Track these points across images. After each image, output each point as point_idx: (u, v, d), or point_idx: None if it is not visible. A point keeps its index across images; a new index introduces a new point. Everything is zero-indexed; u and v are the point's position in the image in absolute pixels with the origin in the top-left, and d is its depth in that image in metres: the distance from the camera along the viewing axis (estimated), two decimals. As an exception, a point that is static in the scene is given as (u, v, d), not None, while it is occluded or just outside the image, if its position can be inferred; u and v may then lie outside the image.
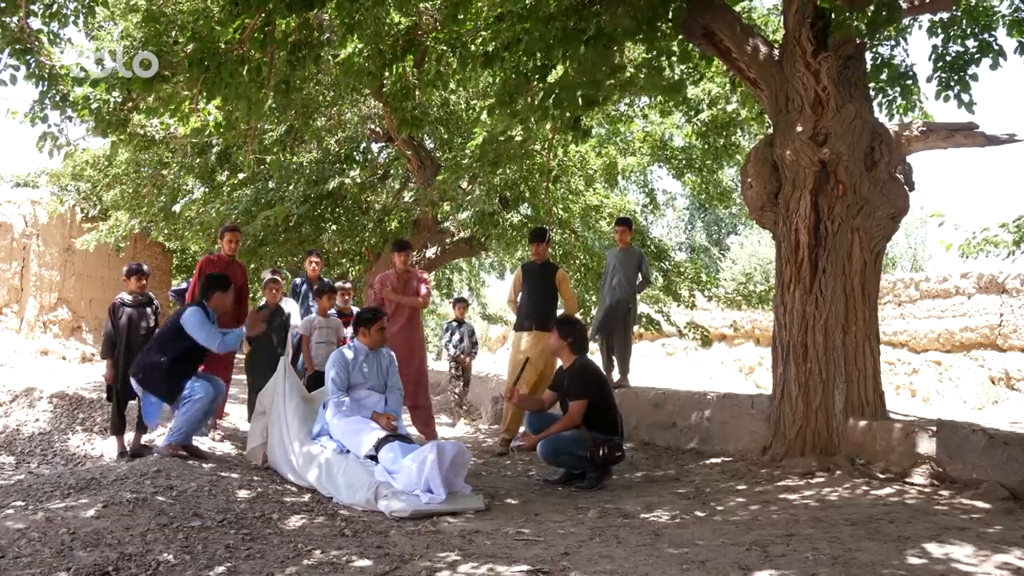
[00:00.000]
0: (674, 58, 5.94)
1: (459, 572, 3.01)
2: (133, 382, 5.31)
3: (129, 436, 5.82)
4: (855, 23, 4.52)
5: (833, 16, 4.74)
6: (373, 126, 11.34)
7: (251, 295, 10.14)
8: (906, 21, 5.86)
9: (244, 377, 7.14)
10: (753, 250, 22.96)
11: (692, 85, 8.98)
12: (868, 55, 5.72)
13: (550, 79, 5.79)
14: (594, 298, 10.72)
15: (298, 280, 7.65)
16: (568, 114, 5.82)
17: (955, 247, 7.67)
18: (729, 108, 9.44)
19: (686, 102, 9.32)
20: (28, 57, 6.22)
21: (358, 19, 5.95)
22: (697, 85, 9.32)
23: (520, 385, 5.92)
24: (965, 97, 5.56)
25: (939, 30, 6.03)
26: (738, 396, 6.18)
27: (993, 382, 10.24)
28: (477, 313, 20.74)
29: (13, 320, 14.91)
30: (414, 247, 6.88)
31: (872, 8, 4.46)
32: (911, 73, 6.06)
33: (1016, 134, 5.48)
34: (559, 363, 5.47)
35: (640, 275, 7.35)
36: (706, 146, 10.24)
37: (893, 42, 6.29)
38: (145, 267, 6.04)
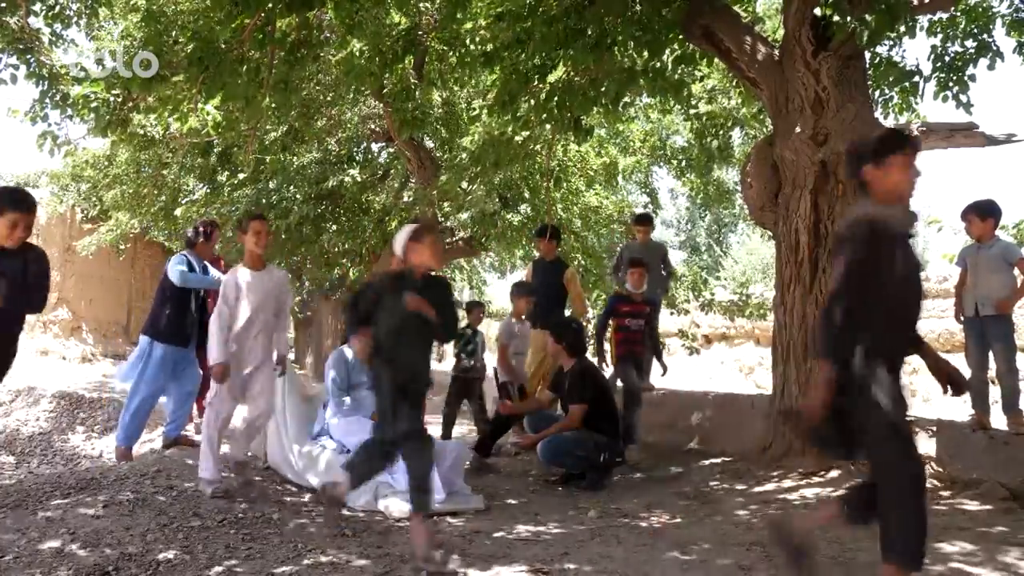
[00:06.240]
0: (675, 56, 5.93)
1: (459, 572, 3.01)
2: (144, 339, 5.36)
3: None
4: (857, 27, 4.50)
5: (836, 19, 4.72)
6: (373, 126, 11.31)
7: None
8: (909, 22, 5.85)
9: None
10: (753, 248, 22.94)
11: (692, 84, 8.94)
12: (867, 55, 5.70)
13: (550, 79, 5.77)
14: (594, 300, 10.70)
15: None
16: (569, 115, 5.81)
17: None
18: (727, 104, 9.40)
19: (690, 97, 9.28)
20: (28, 56, 6.22)
21: (358, 20, 5.94)
22: (696, 85, 9.28)
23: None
24: (963, 98, 5.56)
25: (938, 30, 6.03)
26: (738, 396, 6.18)
27: (993, 382, 10.22)
28: (478, 312, 20.67)
29: (13, 320, 14.90)
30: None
31: (874, 13, 4.44)
32: (919, 71, 6.04)
33: (1016, 134, 5.47)
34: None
35: (664, 270, 7.11)
36: (701, 145, 10.19)
37: (891, 42, 6.28)
38: None
